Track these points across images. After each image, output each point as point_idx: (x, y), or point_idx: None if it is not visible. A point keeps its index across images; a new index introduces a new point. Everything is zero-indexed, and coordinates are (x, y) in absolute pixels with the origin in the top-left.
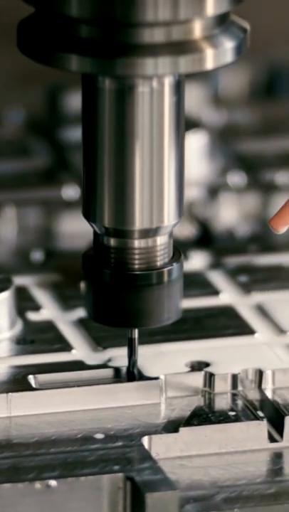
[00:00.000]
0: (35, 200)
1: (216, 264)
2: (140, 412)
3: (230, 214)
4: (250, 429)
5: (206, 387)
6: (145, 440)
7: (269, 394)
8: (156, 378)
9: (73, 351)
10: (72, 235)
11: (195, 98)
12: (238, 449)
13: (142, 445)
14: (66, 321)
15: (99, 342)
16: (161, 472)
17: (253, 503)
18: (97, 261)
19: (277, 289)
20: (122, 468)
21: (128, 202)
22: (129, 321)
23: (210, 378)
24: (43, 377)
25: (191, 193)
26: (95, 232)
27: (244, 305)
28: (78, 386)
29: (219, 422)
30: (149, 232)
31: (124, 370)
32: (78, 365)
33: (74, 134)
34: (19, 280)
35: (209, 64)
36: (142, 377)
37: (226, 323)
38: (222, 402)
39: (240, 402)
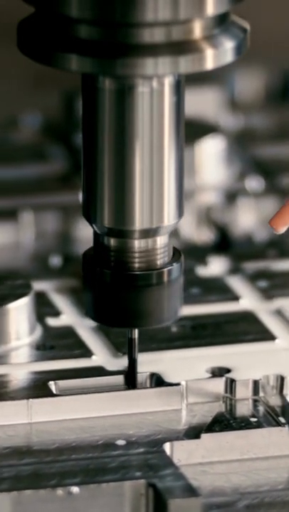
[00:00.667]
0: (52, 205)
1: (235, 270)
2: (161, 418)
3: (248, 219)
4: (271, 436)
5: (227, 393)
6: (167, 446)
7: None
8: (178, 384)
9: (93, 357)
10: (90, 240)
11: (211, 103)
12: (260, 456)
13: (163, 451)
14: (86, 327)
15: (119, 348)
16: (184, 478)
17: (275, 509)
18: (97, 261)
19: None
20: (144, 475)
21: (128, 202)
22: (129, 321)
23: (231, 384)
24: (64, 383)
25: (209, 197)
26: (95, 233)
27: (264, 310)
28: (99, 392)
29: (241, 428)
30: (149, 232)
31: (145, 376)
32: (98, 371)
33: None
34: (38, 285)
35: (209, 64)
36: (162, 383)
37: (247, 329)
38: (243, 409)
39: (261, 408)
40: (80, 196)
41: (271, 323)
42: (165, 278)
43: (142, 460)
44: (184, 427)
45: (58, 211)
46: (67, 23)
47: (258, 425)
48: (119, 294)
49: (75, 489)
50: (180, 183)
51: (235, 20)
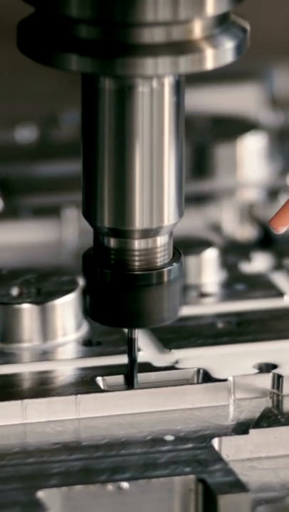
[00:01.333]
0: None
1: (278, 266)
2: (209, 413)
3: None
4: None
5: (274, 388)
6: (215, 442)
7: None
8: (225, 380)
9: (140, 353)
10: None
11: (251, 100)
12: None
13: (212, 447)
14: None
15: (165, 343)
16: (233, 474)
17: None
18: (97, 261)
19: None
20: (194, 470)
21: (128, 202)
22: (129, 321)
23: (278, 380)
24: (112, 379)
25: (251, 194)
26: (95, 232)
27: None
28: (146, 388)
29: (288, 423)
30: (150, 233)
31: (192, 372)
32: (146, 367)
33: None
34: (82, 282)
35: (209, 64)
36: (210, 379)
37: None
38: None
39: None
40: None
41: None
42: (165, 278)
43: (191, 455)
44: (231, 422)
45: None
46: (67, 23)
47: None
48: (120, 294)
49: (125, 484)
50: (180, 183)
51: (236, 20)
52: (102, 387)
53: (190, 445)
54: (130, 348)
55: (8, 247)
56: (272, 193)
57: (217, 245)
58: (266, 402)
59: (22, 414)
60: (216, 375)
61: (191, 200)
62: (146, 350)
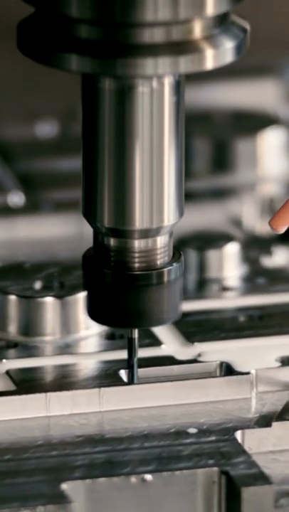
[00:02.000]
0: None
1: None
2: (232, 406)
3: None
4: None
5: None
6: (238, 434)
7: None
8: (247, 373)
9: (163, 346)
10: None
11: (271, 95)
12: None
13: (235, 439)
14: None
15: (188, 337)
16: (256, 466)
17: None
18: (97, 261)
19: None
20: (217, 463)
21: (128, 202)
22: (129, 321)
23: None
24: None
25: (271, 189)
26: (95, 232)
27: None
28: (169, 381)
29: None
30: (150, 232)
31: (215, 365)
32: (169, 360)
33: None
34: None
35: (209, 64)
36: (233, 371)
37: None
38: None
39: None
40: None
41: None
42: (165, 278)
43: (214, 448)
44: (254, 415)
45: None
46: (67, 23)
47: None
48: (120, 294)
49: (148, 477)
50: (180, 183)
51: (236, 20)
52: (125, 380)
53: (213, 438)
54: (130, 348)
55: (30, 242)
56: None
57: (238, 239)
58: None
59: (46, 407)
60: (238, 368)
61: (211, 195)
62: (169, 343)
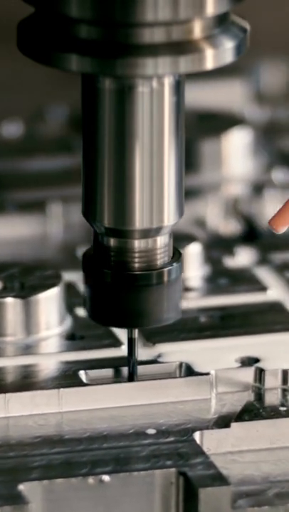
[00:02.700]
0: (80, 197)
1: (262, 260)
2: (191, 407)
3: (275, 210)
4: None
5: (256, 382)
6: (197, 435)
7: None
8: (207, 374)
9: (123, 347)
10: None
11: (238, 95)
12: None
13: (193, 440)
14: None
15: (148, 337)
16: (214, 467)
17: None
18: (97, 261)
19: None
20: (175, 464)
21: (128, 202)
22: (129, 321)
23: (260, 374)
24: (94, 373)
25: (236, 189)
26: (94, 232)
27: None
28: (128, 381)
29: (270, 417)
30: (149, 233)
31: (174, 365)
32: (128, 361)
33: None
34: (67, 276)
35: (209, 64)
36: (192, 372)
37: (275, 319)
38: (272, 398)
39: None
40: None
41: None
42: (165, 278)
43: (172, 449)
44: (213, 416)
45: None
46: (67, 23)
47: (287, 414)
48: (120, 294)
49: (106, 478)
50: (180, 183)
51: (235, 20)
52: (84, 381)
53: (172, 438)
54: (130, 348)
55: None
56: (257, 188)
57: (201, 240)
58: (248, 396)
59: (5, 408)
60: (198, 368)
61: None
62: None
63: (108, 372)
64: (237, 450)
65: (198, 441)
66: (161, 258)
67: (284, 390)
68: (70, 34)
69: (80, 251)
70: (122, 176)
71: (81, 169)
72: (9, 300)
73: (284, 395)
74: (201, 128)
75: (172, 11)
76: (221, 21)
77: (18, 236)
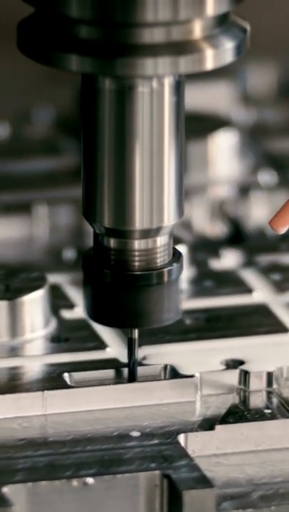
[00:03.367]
0: (66, 199)
1: (248, 263)
2: (176, 409)
3: (261, 212)
4: (285, 427)
5: (241, 385)
6: (181, 438)
7: None
8: (192, 376)
9: (108, 349)
10: None
11: (224, 97)
12: (274, 447)
13: (178, 443)
14: None
15: None
16: (198, 470)
17: None
18: (97, 261)
19: None
20: (159, 466)
21: (128, 202)
22: (129, 321)
23: (245, 376)
24: (79, 375)
25: (222, 191)
26: (94, 232)
27: (277, 303)
28: (113, 384)
29: (255, 419)
30: (149, 233)
31: (159, 368)
32: (113, 363)
33: None
34: (52, 278)
35: (209, 64)
36: (177, 375)
37: (260, 321)
38: (257, 400)
39: (275, 400)
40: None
41: (284, 316)
42: (165, 278)
43: (157, 451)
44: (198, 418)
45: (71, 204)
46: (67, 23)
47: (272, 417)
48: (120, 294)
49: (90, 480)
50: (180, 183)
51: (236, 20)
52: (69, 383)
53: (156, 441)
54: (130, 348)
55: None
56: (243, 190)
57: (187, 242)
58: (233, 398)
59: None
60: (183, 371)
61: None
62: (114, 346)
63: (93, 374)
64: (222, 453)
65: (182, 443)
66: (161, 258)
67: (269, 393)
68: (70, 34)
69: (66, 253)
70: (122, 176)
71: (81, 169)
72: None
73: (269, 398)
74: (187, 130)
75: (172, 11)
76: (221, 21)
77: (4, 238)
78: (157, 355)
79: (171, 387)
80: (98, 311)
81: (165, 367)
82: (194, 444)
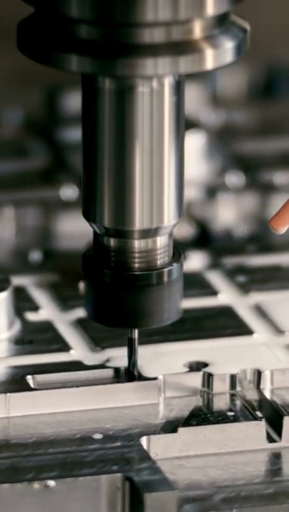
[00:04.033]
0: (33, 201)
1: (214, 265)
2: (139, 412)
3: (228, 214)
4: (248, 430)
5: (204, 387)
6: (144, 440)
7: (267, 394)
8: (155, 379)
9: (72, 351)
10: (71, 235)
11: (193, 98)
12: (237, 449)
13: (140, 445)
14: (64, 321)
15: (97, 342)
16: (160, 472)
17: (251, 503)
18: (97, 261)
19: (276, 289)
20: (121, 469)
21: (128, 202)
22: (129, 321)
23: (208, 378)
24: (42, 378)
25: (190, 193)
26: (94, 233)
27: (242, 305)
28: (77, 386)
29: (218, 422)
30: (149, 233)
31: (122, 370)
32: (77, 366)
33: (72, 134)
34: (17, 280)
35: (209, 64)
36: (140, 377)
37: (225, 324)
38: (220, 403)
39: (238, 403)
40: (61, 192)
41: (249, 318)
42: (165, 278)
43: (119, 454)
44: (161, 420)
45: (38, 206)
46: (67, 23)
47: (235, 419)
48: (120, 294)
49: (51, 483)
50: (180, 183)
51: (235, 20)
52: (32, 385)
53: (118, 443)
54: (130, 349)
55: None
56: (211, 192)
57: None
58: (196, 401)
59: None
60: (146, 373)
61: None
62: (78, 348)
63: (56, 377)
64: (184, 455)
65: (145, 446)
66: (161, 258)
67: (232, 395)
68: (70, 34)
69: (32, 255)
70: (122, 176)
71: (81, 169)
72: None
73: (232, 400)
74: None
75: (172, 11)
76: (221, 21)
77: None
78: (121, 357)
79: (134, 390)
80: (98, 311)
81: (128, 369)
82: (157, 446)
